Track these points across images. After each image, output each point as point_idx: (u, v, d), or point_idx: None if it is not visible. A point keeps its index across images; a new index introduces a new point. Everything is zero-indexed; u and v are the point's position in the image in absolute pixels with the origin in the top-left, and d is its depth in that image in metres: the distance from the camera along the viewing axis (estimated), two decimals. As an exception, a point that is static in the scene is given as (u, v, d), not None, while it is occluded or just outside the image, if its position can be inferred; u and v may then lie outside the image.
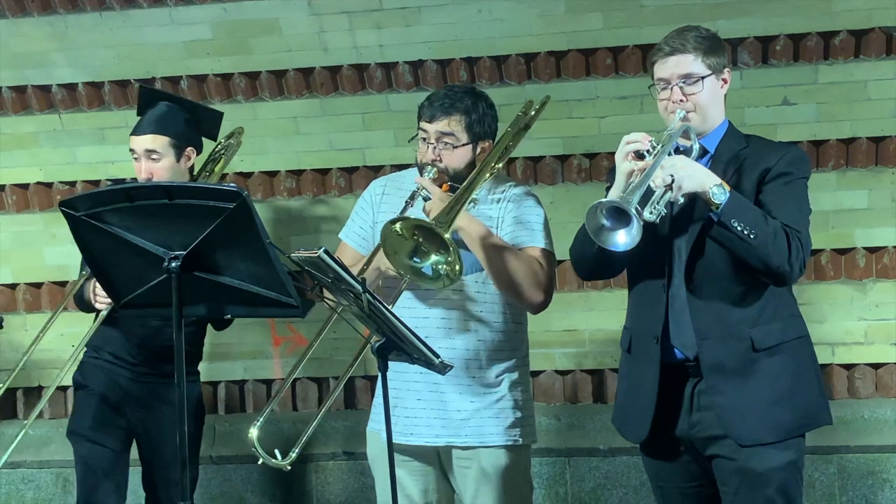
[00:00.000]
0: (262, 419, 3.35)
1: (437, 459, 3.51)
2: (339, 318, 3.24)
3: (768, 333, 3.08)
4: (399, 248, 3.23)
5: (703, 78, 3.11)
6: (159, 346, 3.95)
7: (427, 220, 3.26)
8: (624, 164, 3.03)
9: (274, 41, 5.10)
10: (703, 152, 3.15)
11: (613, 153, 5.02)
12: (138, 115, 4.08)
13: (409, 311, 3.46)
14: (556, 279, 5.16)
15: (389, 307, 3.00)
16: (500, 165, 3.53)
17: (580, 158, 5.13)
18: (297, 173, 5.35)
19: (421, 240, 3.23)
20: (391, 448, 3.06)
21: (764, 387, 3.06)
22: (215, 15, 5.08)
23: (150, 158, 3.92)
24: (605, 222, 2.90)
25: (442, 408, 3.44)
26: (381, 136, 5.19)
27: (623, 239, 2.89)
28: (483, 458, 3.44)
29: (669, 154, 3.01)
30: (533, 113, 3.74)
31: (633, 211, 2.84)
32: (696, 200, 3.03)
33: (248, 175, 5.36)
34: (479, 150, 3.50)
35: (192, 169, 4.07)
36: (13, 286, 5.55)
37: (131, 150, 3.97)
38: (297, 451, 3.31)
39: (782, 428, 3.07)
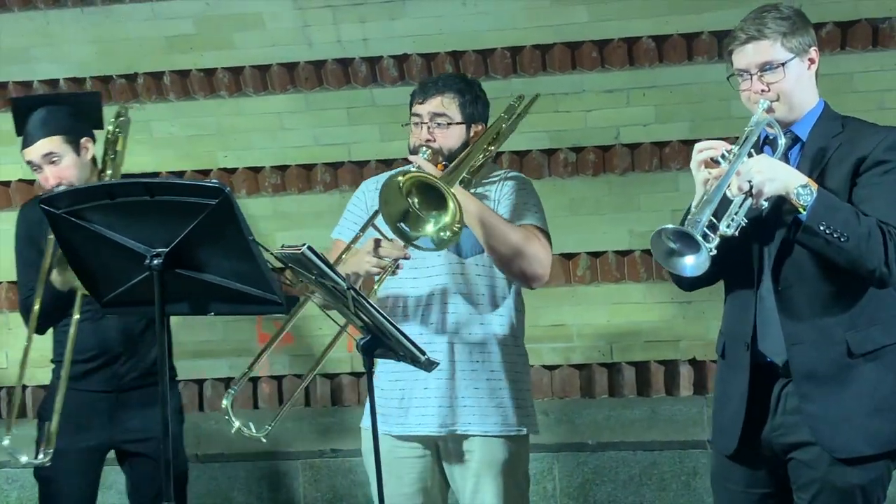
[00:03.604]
0: (236, 388, 3.34)
1: (436, 451, 3.48)
2: (324, 313, 3.22)
3: (867, 337, 2.86)
4: (392, 200, 3.20)
5: (783, 64, 2.88)
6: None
7: (434, 175, 3.19)
8: (699, 174, 2.84)
9: (257, 36, 5.07)
10: (795, 140, 2.96)
11: (600, 147, 5.12)
12: (18, 129, 3.93)
13: (417, 296, 3.47)
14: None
15: (375, 304, 2.96)
16: (493, 149, 3.50)
17: (566, 152, 5.11)
18: (282, 169, 5.31)
19: (416, 202, 3.19)
20: (377, 444, 3.05)
21: (861, 395, 2.85)
22: (198, 10, 5.04)
23: (50, 162, 3.81)
24: (673, 245, 2.72)
25: (448, 395, 3.41)
26: (367, 131, 5.16)
27: (690, 263, 2.71)
28: (485, 449, 3.42)
29: (750, 155, 2.81)
30: (522, 107, 3.71)
31: (699, 237, 2.66)
32: (783, 198, 2.82)
33: (232, 171, 5.33)
34: (472, 133, 3.48)
35: (94, 159, 3.95)
36: (-5, 284, 5.51)
37: (30, 164, 3.87)
38: (273, 424, 3.30)
39: (881, 439, 2.86)
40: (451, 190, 3.13)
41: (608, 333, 5.15)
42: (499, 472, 3.42)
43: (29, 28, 5.16)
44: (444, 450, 3.46)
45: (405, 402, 3.44)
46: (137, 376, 3.92)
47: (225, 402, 3.27)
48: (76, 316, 3.79)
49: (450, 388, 3.41)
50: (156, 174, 5.23)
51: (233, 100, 5.21)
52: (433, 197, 3.17)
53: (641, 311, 5.10)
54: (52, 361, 4.02)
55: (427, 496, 3.49)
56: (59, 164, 3.82)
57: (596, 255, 5.11)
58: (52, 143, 3.83)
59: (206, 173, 5.32)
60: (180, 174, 5.29)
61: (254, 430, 3.29)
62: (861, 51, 4.77)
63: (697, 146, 2.88)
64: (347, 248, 3.42)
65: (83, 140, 3.90)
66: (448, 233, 3.17)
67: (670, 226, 2.70)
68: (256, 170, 5.33)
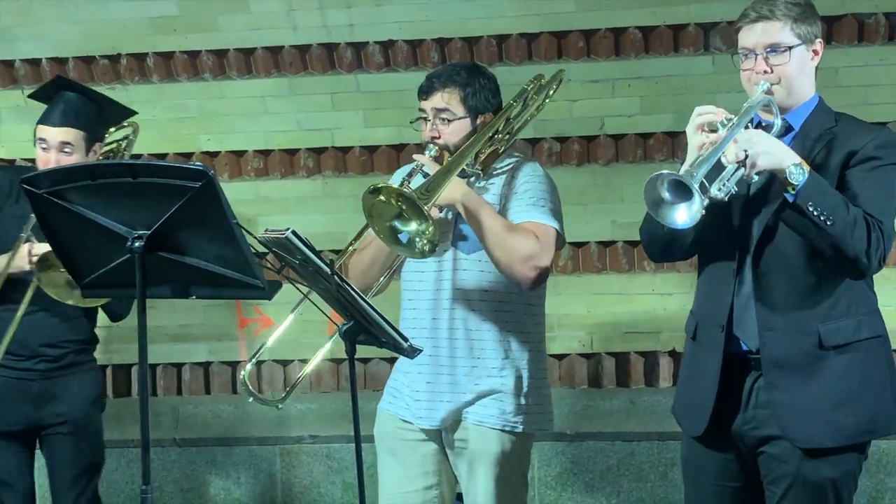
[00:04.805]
0: (254, 358, 3.50)
1: (441, 441, 3.48)
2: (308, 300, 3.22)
3: (839, 330, 2.87)
4: (383, 213, 3.17)
5: (790, 48, 2.88)
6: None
7: (407, 189, 3.18)
8: (695, 137, 2.81)
9: (242, 19, 5.04)
10: (788, 129, 2.94)
11: (584, 137, 5.12)
12: (45, 98, 3.98)
13: (417, 290, 3.47)
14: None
15: (358, 289, 2.95)
16: (500, 136, 3.46)
17: (551, 142, 5.10)
18: (265, 153, 5.29)
19: (404, 207, 3.16)
20: (358, 436, 3.04)
21: (828, 387, 2.86)
22: (182, -9, 5.01)
23: (62, 151, 3.85)
24: (666, 196, 2.68)
25: (450, 391, 3.41)
26: (350, 117, 5.14)
27: (682, 216, 2.67)
28: (479, 439, 3.40)
29: (746, 127, 2.80)
30: (538, 87, 3.67)
31: (696, 187, 2.62)
32: (774, 180, 2.81)
33: (214, 154, 5.30)
34: (479, 123, 3.45)
35: None
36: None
37: (41, 139, 3.89)
38: (289, 391, 3.43)
39: (844, 433, 2.87)
40: (425, 206, 3.11)
41: (588, 324, 5.15)
42: (491, 464, 3.39)
43: (12, 7, 5.11)
44: (445, 438, 3.47)
45: (416, 394, 3.45)
46: (59, 367, 3.93)
47: (242, 373, 3.45)
48: (20, 312, 3.80)
49: (453, 383, 3.41)
50: (137, 156, 5.20)
51: (216, 83, 5.18)
52: (414, 204, 3.16)
53: (622, 302, 5.10)
54: None
55: (430, 479, 3.48)
56: (69, 157, 3.85)
57: (578, 245, 5.11)
58: (74, 135, 3.88)
59: (188, 156, 5.30)
60: (162, 157, 5.26)
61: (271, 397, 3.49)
62: (846, 45, 4.77)
63: (697, 109, 2.86)
64: (354, 242, 3.45)
65: (96, 145, 3.98)
66: (424, 241, 3.14)
67: (667, 171, 2.69)
68: (239, 154, 5.30)
